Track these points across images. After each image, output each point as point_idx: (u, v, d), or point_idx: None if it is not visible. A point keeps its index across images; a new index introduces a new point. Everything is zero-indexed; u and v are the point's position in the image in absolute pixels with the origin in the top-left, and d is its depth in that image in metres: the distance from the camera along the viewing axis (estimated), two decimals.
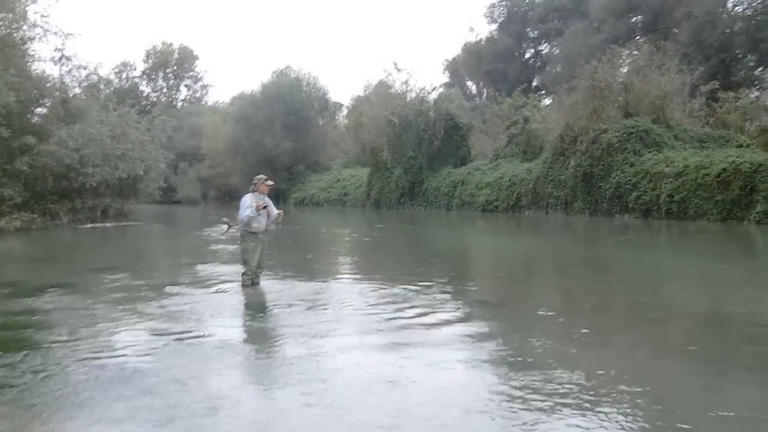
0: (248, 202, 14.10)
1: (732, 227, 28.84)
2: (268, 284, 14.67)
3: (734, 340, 9.76)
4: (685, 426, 6.24)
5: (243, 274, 14.39)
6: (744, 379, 7.67)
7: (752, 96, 47.80)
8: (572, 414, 6.46)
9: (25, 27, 38.39)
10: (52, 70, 57.73)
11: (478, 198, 50.01)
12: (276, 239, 16.04)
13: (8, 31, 37.68)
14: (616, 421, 6.28)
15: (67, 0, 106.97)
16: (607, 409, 6.56)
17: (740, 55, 56.81)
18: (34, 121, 40.28)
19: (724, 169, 31.27)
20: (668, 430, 6.19)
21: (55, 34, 39.45)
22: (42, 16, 37.82)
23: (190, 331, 10.14)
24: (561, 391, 7.11)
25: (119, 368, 8.14)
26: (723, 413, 6.59)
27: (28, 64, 39.95)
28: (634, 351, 9.01)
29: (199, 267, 18.49)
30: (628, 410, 6.57)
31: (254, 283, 14.32)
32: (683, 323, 10.85)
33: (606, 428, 6.11)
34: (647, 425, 6.31)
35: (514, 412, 6.56)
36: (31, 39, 39.21)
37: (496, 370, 8.09)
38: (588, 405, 6.68)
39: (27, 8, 38.19)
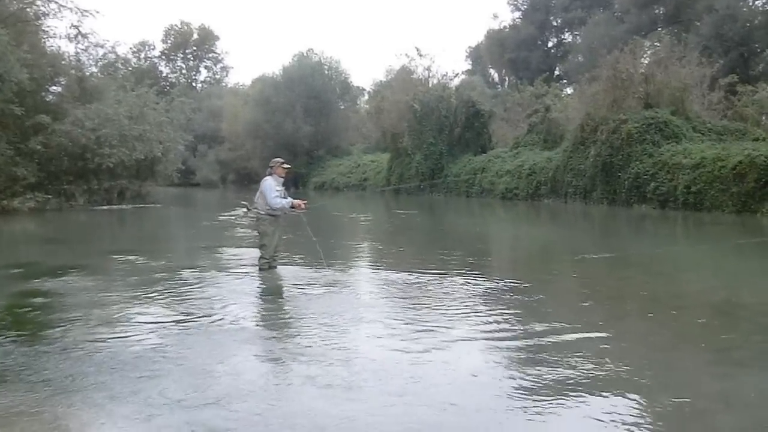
0: (273, 185, 14.13)
1: (746, 219, 28.76)
2: (286, 269, 14.74)
3: (747, 329, 9.81)
4: (698, 414, 6.29)
5: (260, 257, 14.43)
6: (756, 369, 7.73)
7: None
8: (585, 402, 6.54)
9: (39, 2, 37.50)
10: (68, 48, 56.73)
11: (498, 186, 49.86)
12: (295, 224, 16.05)
13: (21, 5, 36.91)
14: (630, 409, 6.36)
15: None
16: (621, 397, 6.63)
17: (759, 49, 56.38)
18: (48, 100, 39.77)
19: (740, 162, 31.14)
20: (682, 419, 6.24)
21: (71, 10, 38.32)
22: None
23: (207, 315, 10.21)
24: (575, 378, 7.18)
25: (133, 351, 8.22)
26: (735, 402, 6.66)
27: (43, 40, 39.28)
28: (649, 339, 9.06)
29: (217, 250, 18.58)
30: (643, 398, 6.65)
31: (271, 267, 14.35)
32: (698, 313, 10.86)
33: (620, 416, 6.17)
34: (661, 413, 6.36)
35: (527, 397, 6.63)
36: (46, 15, 38.28)
37: (511, 356, 8.14)
38: (601, 393, 6.76)
39: None
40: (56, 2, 37.72)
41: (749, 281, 14.32)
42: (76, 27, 40.41)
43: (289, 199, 14.27)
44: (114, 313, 10.60)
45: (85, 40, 41.66)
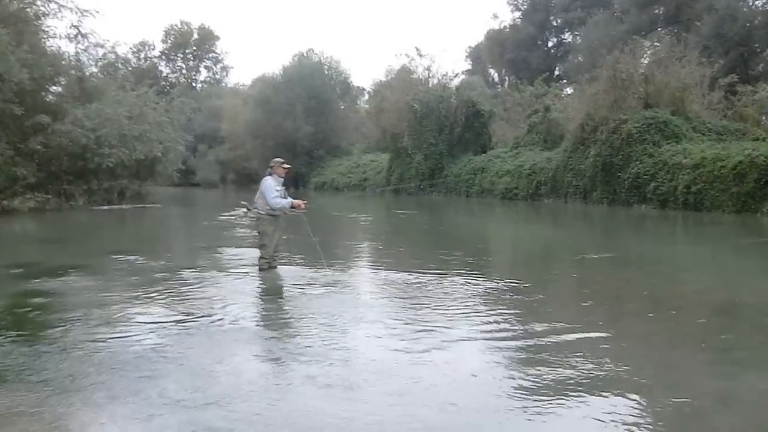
0: (272, 185, 14.09)
1: (746, 219, 28.84)
2: (286, 269, 14.72)
3: (747, 329, 9.82)
4: (698, 414, 6.29)
5: (260, 257, 14.38)
6: (756, 368, 7.71)
7: None
8: (585, 402, 6.53)
9: (39, 2, 37.53)
10: (68, 48, 56.29)
11: (498, 185, 49.93)
12: (296, 224, 15.99)
13: (21, 5, 36.77)
14: (630, 409, 6.35)
15: None
16: (620, 397, 6.62)
17: (759, 49, 56.42)
18: (48, 100, 39.35)
19: (740, 162, 31.26)
20: (681, 419, 6.24)
21: (71, 10, 38.48)
22: None
23: (207, 315, 10.18)
24: (575, 378, 7.17)
25: (133, 351, 8.20)
26: (735, 402, 6.65)
27: (42, 40, 38.79)
28: (650, 339, 9.05)
29: (217, 250, 18.56)
30: (643, 398, 6.64)
31: (271, 267, 14.31)
32: (698, 313, 10.87)
33: (620, 416, 6.17)
34: (661, 413, 6.37)
35: (527, 398, 6.62)
36: (46, 15, 38.15)
37: (511, 356, 8.14)
38: (601, 393, 6.75)
39: None
40: (56, 2, 37.75)
41: (749, 281, 14.33)
42: (76, 27, 40.22)
43: (289, 200, 14.22)
44: (114, 313, 10.55)
45: (85, 40, 41.29)
